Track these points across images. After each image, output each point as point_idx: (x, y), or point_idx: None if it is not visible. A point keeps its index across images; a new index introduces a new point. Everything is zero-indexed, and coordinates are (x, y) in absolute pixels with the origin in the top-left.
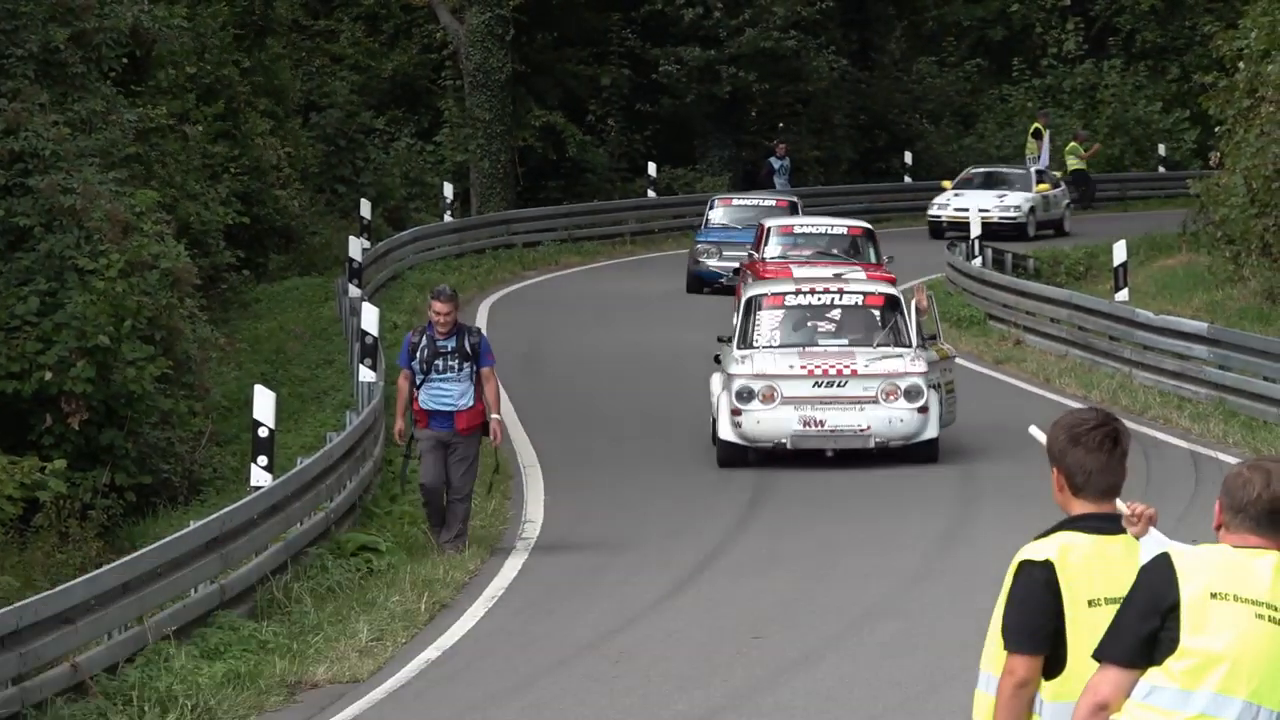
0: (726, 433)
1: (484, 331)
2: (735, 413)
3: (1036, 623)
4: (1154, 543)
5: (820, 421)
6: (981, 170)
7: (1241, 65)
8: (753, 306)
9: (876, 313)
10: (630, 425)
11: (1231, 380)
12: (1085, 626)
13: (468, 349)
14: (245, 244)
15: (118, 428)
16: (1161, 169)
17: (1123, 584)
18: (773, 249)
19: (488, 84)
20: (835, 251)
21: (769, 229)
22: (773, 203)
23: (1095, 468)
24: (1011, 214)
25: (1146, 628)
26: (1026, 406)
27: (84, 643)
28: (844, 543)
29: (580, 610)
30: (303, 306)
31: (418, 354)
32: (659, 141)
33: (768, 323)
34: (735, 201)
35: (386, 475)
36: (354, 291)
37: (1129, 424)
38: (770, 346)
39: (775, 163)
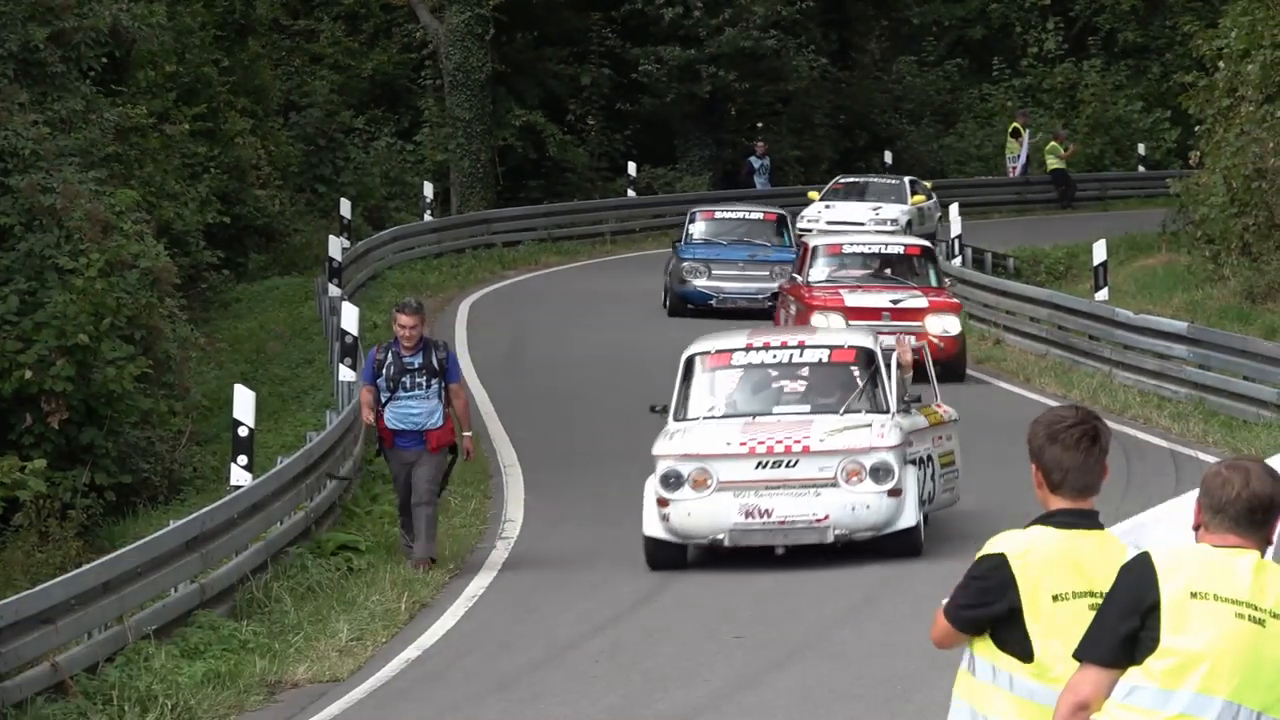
0: (653, 527)
1: (450, 346)
2: (662, 503)
3: (968, 605)
4: None
5: (766, 511)
6: (852, 180)
7: (1221, 65)
8: (693, 368)
9: (848, 371)
10: (611, 424)
11: (1211, 380)
12: (1050, 620)
13: (435, 364)
14: (225, 243)
15: (98, 427)
16: (1141, 168)
17: (1093, 579)
18: (819, 272)
19: (468, 83)
20: (890, 273)
21: (814, 249)
22: (759, 215)
23: (1072, 465)
24: (889, 229)
25: (1126, 627)
26: (1006, 405)
27: (64, 642)
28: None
29: (561, 610)
30: (283, 306)
31: (384, 371)
32: (639, 141)
33: (711, 388)
34: (718, 214)
35: (366, 475)
36: (334, 291)
37: (1109, 423)
38: (711, 417)
39: (755, 162)
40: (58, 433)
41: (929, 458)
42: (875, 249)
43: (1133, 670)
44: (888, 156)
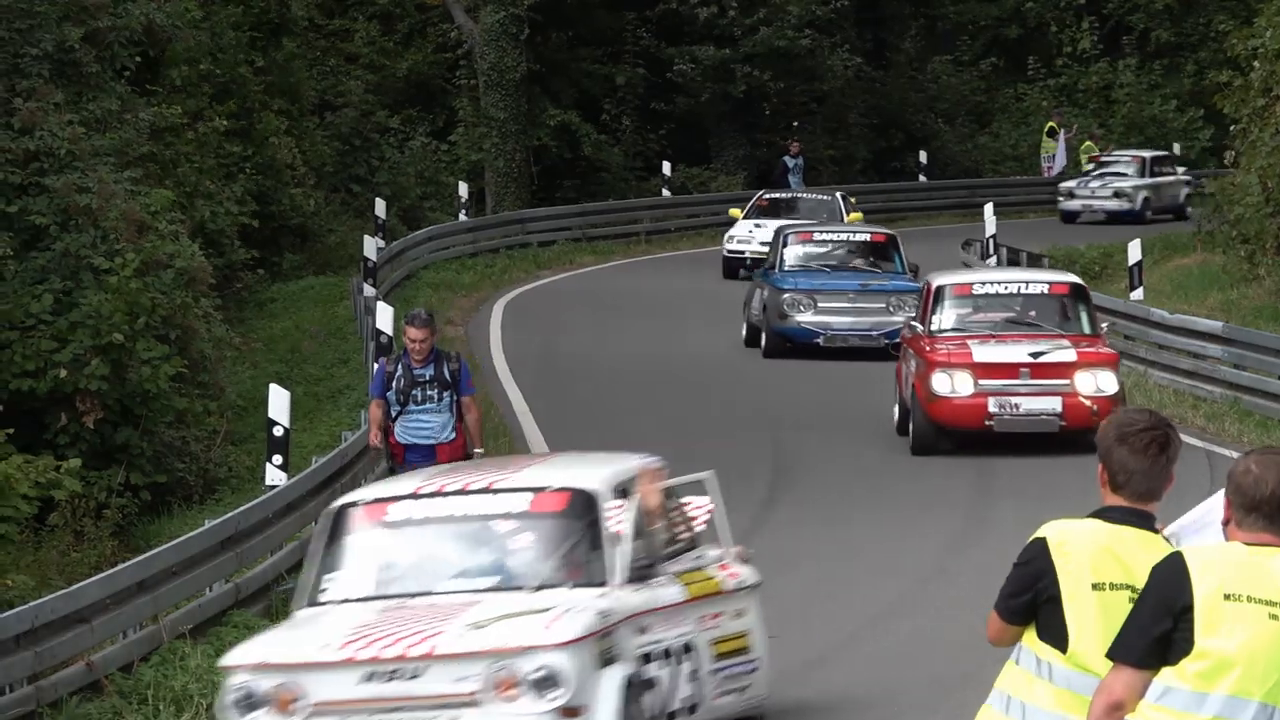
0: None
1: (463, 357)
2: None
3: (1013, 594)
4: None
5: None
6: (776, 196)
7: (1256, 64)
8: (341, 529)
9: (554, 526)
10: (644, 424)
11: (1246, 379)
12: (1088, 608)
13: (447, 376)
14: (260, 243)
15: (133, 426)
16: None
17: (1134, 573)
18: (946, 318)
19: (502, 83)
20: (1033, 318)
21: (937, 290)
22: (865, 237)
23: (1137, 469)
24: None
25: (1159, 629)
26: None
27: (99, 642)
28: (860, 541)
29: None
30: (317, 306)
31: (394, 384)
32: (674, 140)
33: (359, 557)
34: (818, 235)
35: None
36: (369, 291)
37: None
38: (349, 600)
39: (789, 161)
40: (93, 432)
41: (687, 647)
42: (1014, 289)
43: (1166, 671)
44: (923, 156)
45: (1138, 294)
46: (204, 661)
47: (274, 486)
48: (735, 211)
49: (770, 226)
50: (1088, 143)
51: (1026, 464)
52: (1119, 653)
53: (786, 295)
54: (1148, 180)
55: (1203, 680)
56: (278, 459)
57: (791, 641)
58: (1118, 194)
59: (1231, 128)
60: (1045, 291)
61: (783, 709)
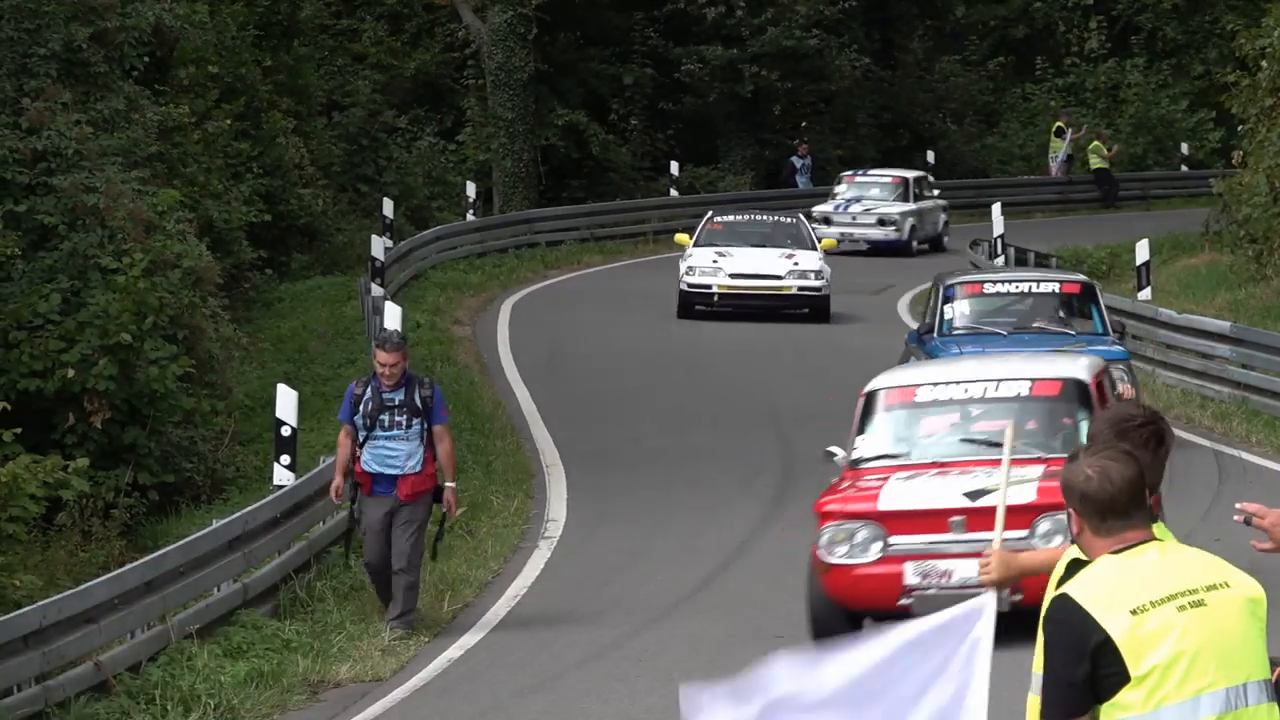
0: None
1: (437, 383)
2: None
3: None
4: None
5: None
6: (732, 219)
7: (1264, 64)
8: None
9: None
10: (652, 424)
11: (1255, 379)
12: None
13: (418, 403)
14: (268, 243)
15: (140, 426)
16: (1184, 168)
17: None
18: (878, 441)
19: (510, 83)
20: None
21: (869, 398)
22: (1053, 287)
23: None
24: (814, 282)
25: (1079, 673)
26: None
27: (107, 641)
28: None
29: (602, 610)
30: (325, 305)
31: (361, 407)
32: (681, 140)
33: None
34: (989, 288)
35: None
36: (376, 290)
37: None
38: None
39: (797, 162)
40: (100, 432)
41: None
42: (966, 392)
43: (1105, 708)
44: (930, 156)
45: (1145, 294)
46: (211, 661)
47: (281, 486)
48: (683, 238)
49: (737, 258)
50: (1095, 142)
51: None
52: (1049, 713)
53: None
54: (912, 206)
55: (1149, 700)
56: (285, 459)
57: (796, 641)
58: (882, 221)
59: (1239, 128)
60: (1023, 396)
61: None
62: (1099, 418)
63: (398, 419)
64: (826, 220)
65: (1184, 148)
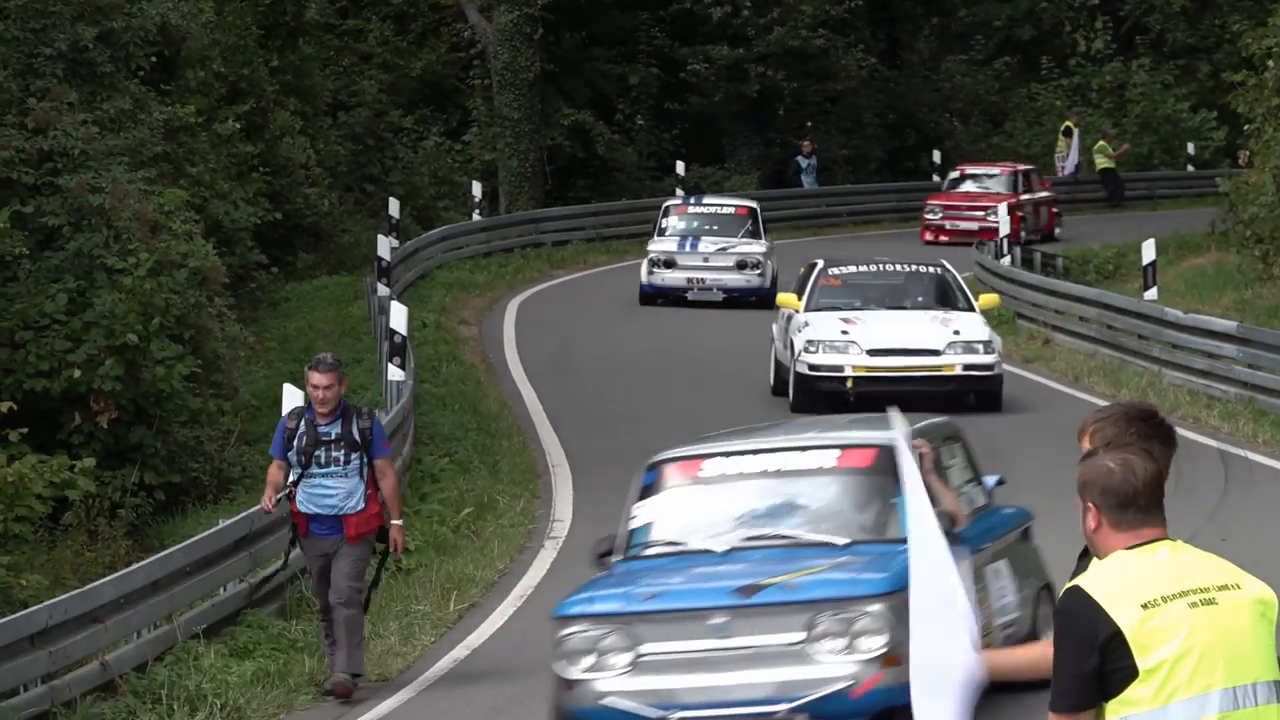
0: None
1: (378, 414)
2: None
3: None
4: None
5: None
6: (855, 270)
7: (1270, 64)
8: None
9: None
10: (659, 424)
11: (1261, 379)
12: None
13: (356, 436)
14: (274, 243)
15: (146, 426)
16: (1190, 168)
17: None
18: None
19: (516, 83)
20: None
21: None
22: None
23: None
24: (984, 358)
25: (1088, 666)
26: (1055, 405)
27: (113, 641)
28: None
29: None
30: (331, 305)
31: (295, 442)
32: (687, 140)
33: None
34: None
35: (415, 474)
36: (383, 290)
37: None
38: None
39: (802, 161)
40: (107, 432)
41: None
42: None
43: (1114, 704)
44: (936, 156)
45: (1152, 294)
46: (218, 661)
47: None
48: (788, 299)
49: (875, 324)
50: (1101, 142)
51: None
52: (1056, 703)
53: None
54: (767, 244)
55: (1158, 695)
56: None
57: None
58: (743, 264)
59: (1245, 127)
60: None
61: None
62: (1107, 417)
63: (335, 454)
64: (669, 263)
65: (1190, 148)
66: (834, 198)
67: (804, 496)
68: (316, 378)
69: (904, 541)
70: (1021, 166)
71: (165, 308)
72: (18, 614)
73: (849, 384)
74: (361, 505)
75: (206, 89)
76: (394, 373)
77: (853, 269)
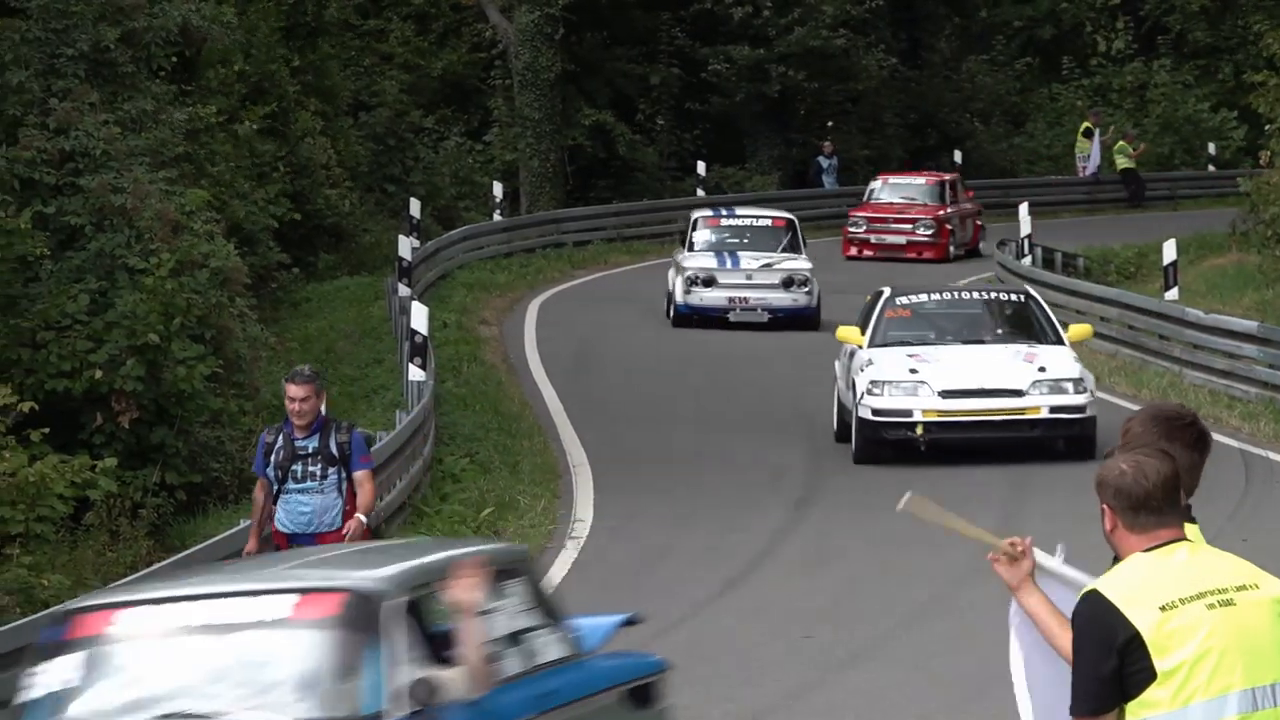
0: None
1: (358, 427)
2: None
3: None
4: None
5: None
6: (924, 300)
7: None
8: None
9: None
10: (680, 423)
11: None
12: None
13: (334, 450)
14: (295, 243)
15: (168, 426)
16: (1211, 168)
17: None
18: None
19: (537, 83)
20: None
21: None
22: None
23: (1186, 464)
24: (1074, 398)
25: (1107, 669)
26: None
27: None
28: (893, 541)
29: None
30: (352, 305)
31: (272, 457)
32: (708, 140)
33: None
34: None
35: (436, 474)
36: (404, 290)
37: None
38: None
39: (823, 162)
40: (128, 432)
41: None
42: None
43: (1133, 706)
44: (957, 156)
45: (1173, 294)
46: None
47: None
48: (849, 333)
49: (948, 361)
50: (1121, 142)
51: (1057, 469)
52: (1076, 707)
53: None
54: (807, 260)
55: (1178, 697)
56: None
57: (823, 640)
58: (791, 281)
59: (1266, 127)
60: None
61: (816, 708)
62: (1139, 416)
63: (311, 469)
64: (709, 281)
65: (1211, 148)
66: (855, 198)
67: (245, 659)
68: (294, 389)
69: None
70: (946, 175)
71: (187, 308)
72: (39, 614)
73: (919, 431)
74: (337, 523)
75: (228, 89)
76: (415, 373)
77: (923, 298)
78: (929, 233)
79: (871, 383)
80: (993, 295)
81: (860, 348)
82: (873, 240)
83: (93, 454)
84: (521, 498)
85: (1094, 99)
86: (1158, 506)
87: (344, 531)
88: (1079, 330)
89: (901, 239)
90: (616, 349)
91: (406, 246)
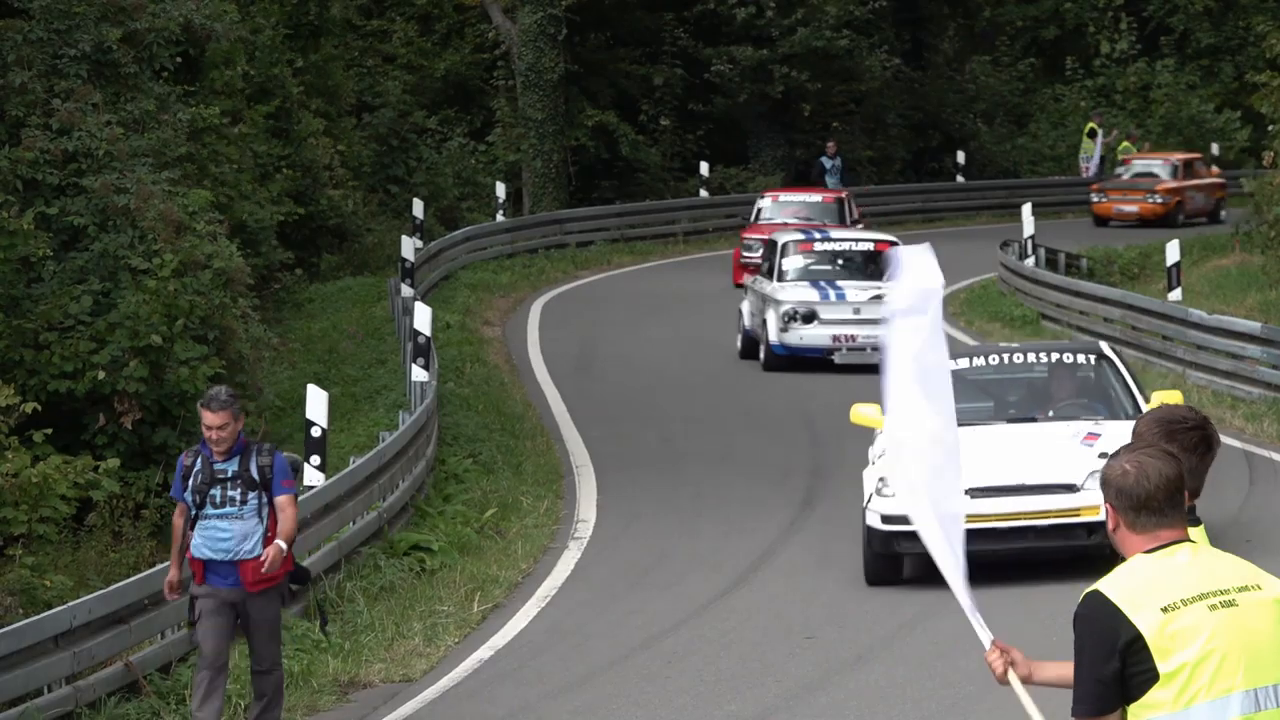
0: None
1: (280, 450)
2: None
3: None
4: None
5: None
6: (973, 366)
7: None
8: None
9: None
10: (682, 425)
11: None
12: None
13: (254, 474)
14: (298, 244)
15: (171, 427)
16: (1214, 169)
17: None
18: None
19: (540, 83)
20: None
21: None
22: None
23: (1187, 467)
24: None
25: (1109, 670)
26: None
27: (137, 642)
28: None
29: (633, 610)
30: (355, 306)
31: (190, 480)
32: (711, 141)
33: None
34: None
35: (439, 475)
36: (407, 291)
37: None
38: None
39: (826, 162)
40: (131, 433)
41: None
42: None
43: (1135, 709)
44: (960, 157)
45: (1176, 294)
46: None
47: (312, 487)
48: (866, 416)
49: (986, 447)
50: (1125, 143)
51: None
52: (1078, 708)
53: None
54: None
55: (1180, 698)
56: (315, 459)
57: (826, 640)
58: None
59: (1269, 128)
60: None
61: (818, 709)
62: (1146, 416)
63: (230, 493)
64: (809, 316)
65: (1214, 148)
66: (858, 199)
67: None
68: (210, 417)
69: None
70: (844, 191)
71: (189, 309)
72: (42, 615)
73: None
74: (258, 550)
75: (231, 90)
76: (418, 373)
77: (964, 363)
78: None
79: (881, 480)
80: (1054, 357)
81: (882, 432)
82: None
83: (95, 455)
84: (524, 498)
85: (1097, 100)
86: (1159, 507)
87: (262, 559)
88: (1168, 397)
89: None
90: (620, 350)
91: (409, 247)
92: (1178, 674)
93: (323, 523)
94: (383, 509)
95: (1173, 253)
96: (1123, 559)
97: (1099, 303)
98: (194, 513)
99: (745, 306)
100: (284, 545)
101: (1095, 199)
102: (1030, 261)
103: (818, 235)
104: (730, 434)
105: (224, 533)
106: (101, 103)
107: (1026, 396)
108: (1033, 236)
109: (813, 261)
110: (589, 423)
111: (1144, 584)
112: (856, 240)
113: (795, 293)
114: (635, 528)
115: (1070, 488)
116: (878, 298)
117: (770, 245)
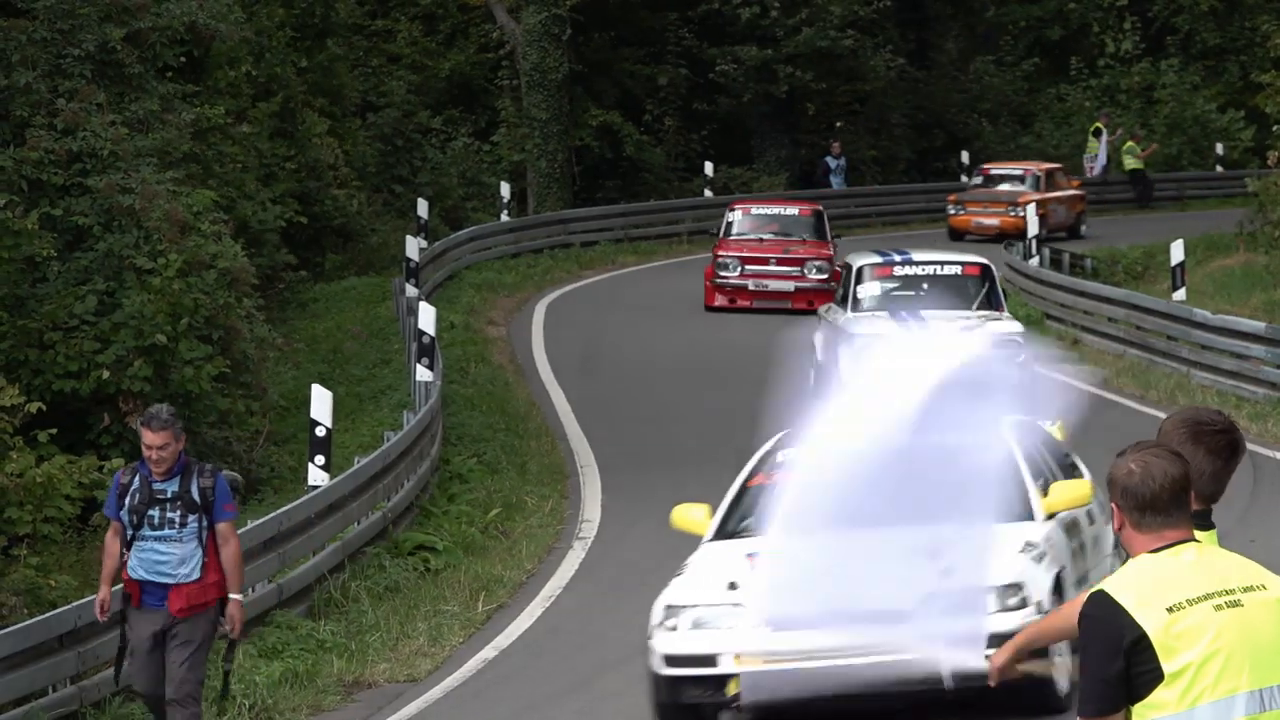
0: None
1: (224, 471)
2: None
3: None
4: None
5: None
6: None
7: None
8: None
9: None
10: (687, 425)
11: None
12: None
13: (195, 496)
14: (303, 244)
15: None
16: (1219, 168)
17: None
18: None
19: (544, 83)
20: None
21: None
22: None
23: (1210, 471)
24: None
25: (1113, 669)
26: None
27: None
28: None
29: (638, 610)
30: (360, 306)
31: (127, 500)
32: (716, 141)
33: None
34: None
35: (443, 475)
36: (411, 291)
37: None
38: None
39: (831, 162)
40: (135, 433)
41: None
42: None
43: (1140, 708)
44: (965, 156)
45: (1180, 294)
46: (246, 661)
47: (316, 487)
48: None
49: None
50: (1130, 143)
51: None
52: (1083, 708)
53: None
54: (1012, 318)
55: (1185, 698)
56: (320, 459)
57: None
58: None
59: (1274, 127)
60: None
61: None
62: (1173, 416)
63: (169, 515)
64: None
65: (1218, 148)
66: (862, 199)
67: None
68: (150, 437)
69: None
70: (819, 204)
71: (194, 308)
72: (47, 614)
73: (731, 691)
74: (194, 575)
75: (236, 90)
76: (422, 373)
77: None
78: (822, 276)
79: (668, 608)
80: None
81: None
82: (751, 287)
83: (100, 454)
84: (529, 498)
85: (1102, 99)
86: (1164, 507)
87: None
88: (1069, 491)
89: (789, 284)
90: (624, 349)
91: (414, 247)
92: (1182, 674)
93: (327, 522)
94: (387, 509)
95: (1177, 252)
96: (1128, 556)
97: (1103, 303)
98: (130, 533)
99: (818, 338)
100: (241, 599)
101: (952, 211)
102: (1035, 261)
103: (897, 258)
104: (735, 434)
105: (162, 556)
106: (106, 103)
107: (884, 492)
108: (1037, 236)
109: (892, 288)
110: (593, 423)
111: (1149, 583)
112: (942, 263)
113: (872, 324)
114: (640, 528)
115: (898, 616)
116: (967, 329)
117: (845, 269)
